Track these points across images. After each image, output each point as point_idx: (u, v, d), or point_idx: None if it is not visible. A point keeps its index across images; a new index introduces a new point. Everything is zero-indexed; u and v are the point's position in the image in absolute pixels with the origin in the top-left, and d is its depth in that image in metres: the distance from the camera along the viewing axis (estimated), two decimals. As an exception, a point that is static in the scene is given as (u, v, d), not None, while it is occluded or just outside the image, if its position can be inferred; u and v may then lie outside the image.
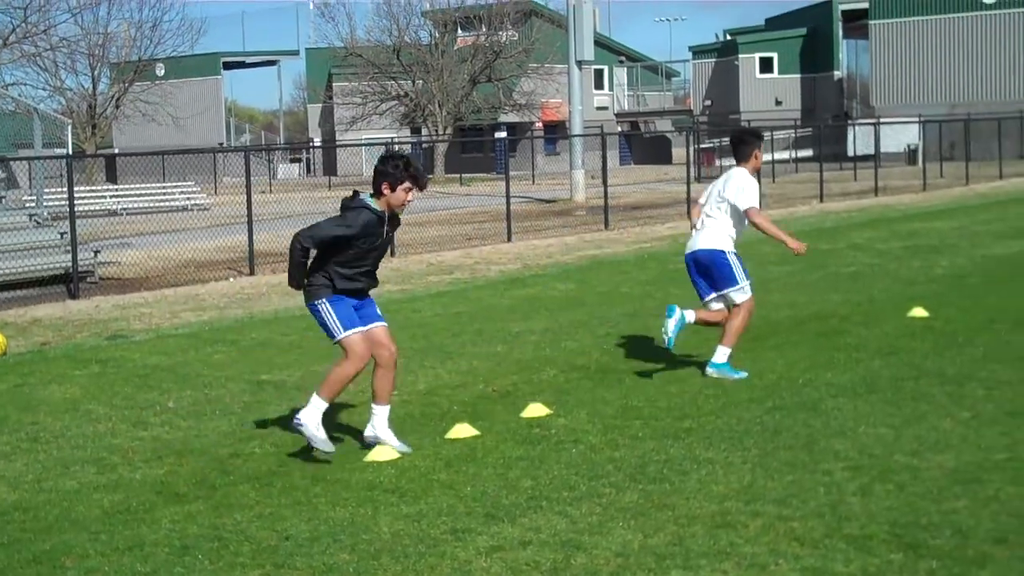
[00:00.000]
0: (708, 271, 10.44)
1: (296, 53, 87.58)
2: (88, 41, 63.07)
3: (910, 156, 53.91)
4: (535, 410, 9.26)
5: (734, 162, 10.60)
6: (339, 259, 8.27)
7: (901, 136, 54.26)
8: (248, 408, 9.98)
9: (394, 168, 8.39)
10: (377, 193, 8.38)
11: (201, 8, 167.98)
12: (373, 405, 8.45)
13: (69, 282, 18.51)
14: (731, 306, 10.52)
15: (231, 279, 19.67)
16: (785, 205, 31.92)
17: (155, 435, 9.19)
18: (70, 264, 18.60)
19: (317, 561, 6.23)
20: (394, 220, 8.54)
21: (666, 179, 51.72)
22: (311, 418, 8.14)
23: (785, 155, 56.78)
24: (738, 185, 10.25)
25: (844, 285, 15.72)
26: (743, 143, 10.54)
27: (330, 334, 8.27)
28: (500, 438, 8.54)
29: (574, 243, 24.33)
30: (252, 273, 20.18)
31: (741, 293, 10.40)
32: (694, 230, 10.61)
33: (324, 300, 8.23)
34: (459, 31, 69.93)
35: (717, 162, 56.58)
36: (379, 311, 8.56)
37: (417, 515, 6.89)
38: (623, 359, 11.37)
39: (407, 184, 8.39)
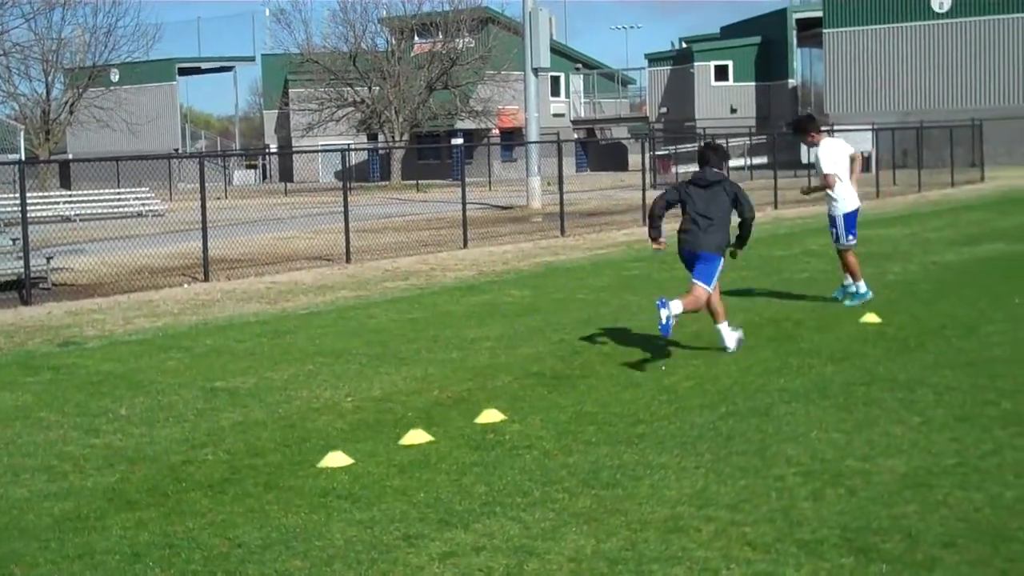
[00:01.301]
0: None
1: (252, 59, 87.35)
2: (42, 46, 62.65)
3: (863, 164, 54.28)
4: (490, 416, 9.26)
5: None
6: None
7: (855, 144, 54.62)
8: (201, 415, 9.92)
9: None
10: None
11: (156, 14, 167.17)
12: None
13: (21, 288, 18.36)
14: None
15: (185, 285, 19.56)
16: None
17: (107, 442, 9.13)
18: (22, 270, 18.46)
19: (269, 568, 6.21)
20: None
21: (622, 186, 51.79)
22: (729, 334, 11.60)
23: (740, 162, 57.08)
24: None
25: (798, 291, 15.83)
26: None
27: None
28: (454, 444, 8.54)
29: (530, 249, 24.36)
30: (207, 279, 20.07)
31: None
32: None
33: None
34: (416, 38, 69.89)
35: (673, 169, 56.82)
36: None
37: (370, 521, 6.88)
38: (577, 365, 11.39)
39: None
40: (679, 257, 11.74)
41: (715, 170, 11.83)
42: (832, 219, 14.61)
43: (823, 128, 15.67)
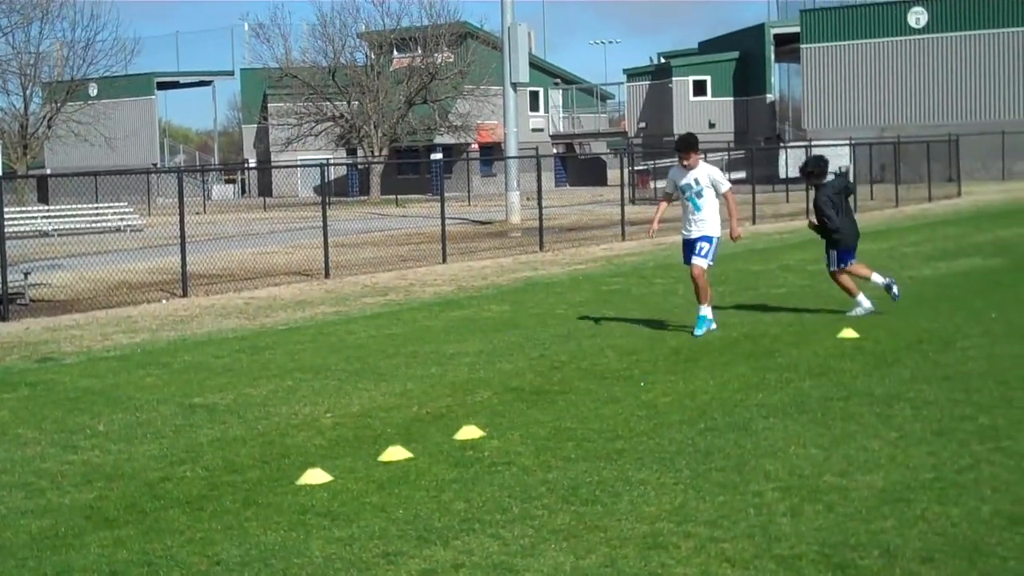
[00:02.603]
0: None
1: (231, 73, 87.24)
2: (19, 60, 62.49)
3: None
4: (469, 432, 9.25)
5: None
6: None
7: (832, 159, 54.85)
8: (180, 431, 9.89)
9: None
10: None
11: (135, 28, 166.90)
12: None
13: (-2, 304, 18.29)
14: None
15: (164, 301, 19.50)
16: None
17: (85, 459, 9.10)
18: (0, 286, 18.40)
19: (248, 586, 6.20)
20: None
21: (601, 200, 51.93)
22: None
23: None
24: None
25: (775, 306, 15.88)
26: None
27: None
28: (433, 460, 8.54)
29: (509, 264, 24.38)
30: (185, 295, 20.03)
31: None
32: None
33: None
34: (395, 52, 69.93)
35: (652, 184, 56.94)
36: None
37: (349, 538, 6.86)
38: (557, 380, 11.39)
39: None
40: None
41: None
42: (709, 239, 14.27)
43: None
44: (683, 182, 14.17)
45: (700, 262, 13.96)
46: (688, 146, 14.09)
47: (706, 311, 13.88)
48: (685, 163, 14.18)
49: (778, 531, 6.66)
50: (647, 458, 8.33)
